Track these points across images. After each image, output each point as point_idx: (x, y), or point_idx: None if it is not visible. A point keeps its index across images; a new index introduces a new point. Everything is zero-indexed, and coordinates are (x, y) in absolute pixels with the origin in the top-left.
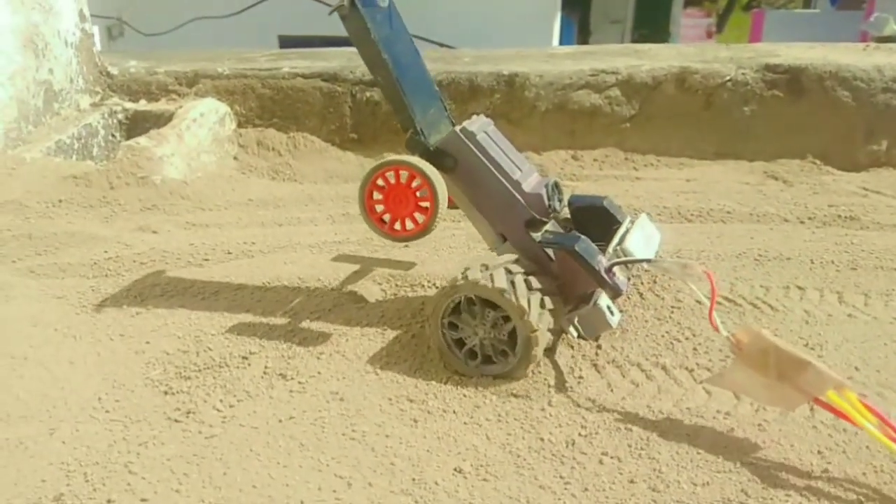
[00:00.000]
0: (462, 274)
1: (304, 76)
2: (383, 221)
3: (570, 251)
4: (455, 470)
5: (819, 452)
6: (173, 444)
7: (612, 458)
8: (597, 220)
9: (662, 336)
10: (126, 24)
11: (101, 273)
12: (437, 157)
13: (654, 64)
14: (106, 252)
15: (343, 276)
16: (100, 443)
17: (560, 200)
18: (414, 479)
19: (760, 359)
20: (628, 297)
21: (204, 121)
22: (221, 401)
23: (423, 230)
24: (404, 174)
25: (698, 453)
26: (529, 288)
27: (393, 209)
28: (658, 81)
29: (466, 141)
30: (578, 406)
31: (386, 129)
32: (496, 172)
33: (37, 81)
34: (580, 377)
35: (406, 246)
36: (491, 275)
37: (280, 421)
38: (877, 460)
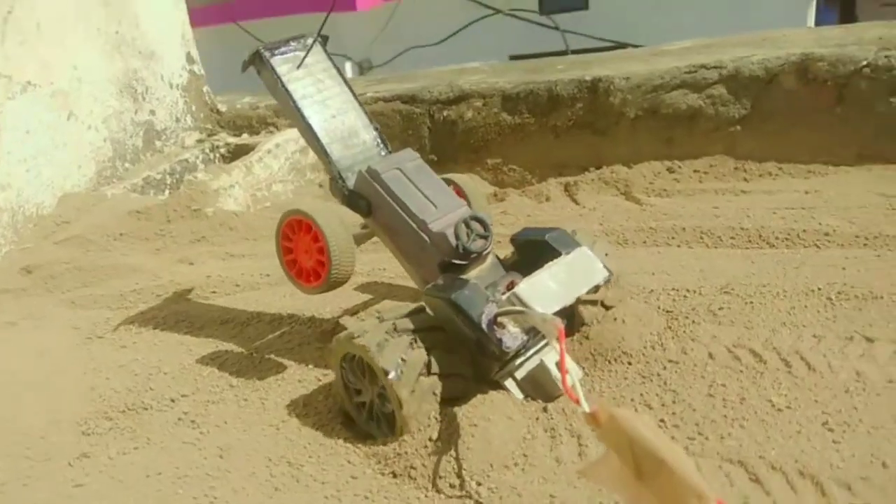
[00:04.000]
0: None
1: (384, 100)
2: (295, 269)
3: (447, 302)
4: None
5: None
6: (43, 490)
7: None
8: (542, 258)
9: (633, 399)
10: (368, 61)
11: (122, 304)
12: (352, 200)
13: (768, 53)
14: (137, 284)
15: (331, 311)
16: None
17: (483, 238)
18: None
19: (623, 448)
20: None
21: (279, 151)
22: (119, 447)
23: (324, 282)
24: (303, 224)
25: None
26: (411, 346)
27: (301, 260)
28: (772, 74)
29: (371, 181)
30: (468, 489)
31: (465, 149)
32: (402, 212)
33: (135, 122)
34: (491, 448)
35: None
36: (364, 331)
37: (147, 476)
38: None
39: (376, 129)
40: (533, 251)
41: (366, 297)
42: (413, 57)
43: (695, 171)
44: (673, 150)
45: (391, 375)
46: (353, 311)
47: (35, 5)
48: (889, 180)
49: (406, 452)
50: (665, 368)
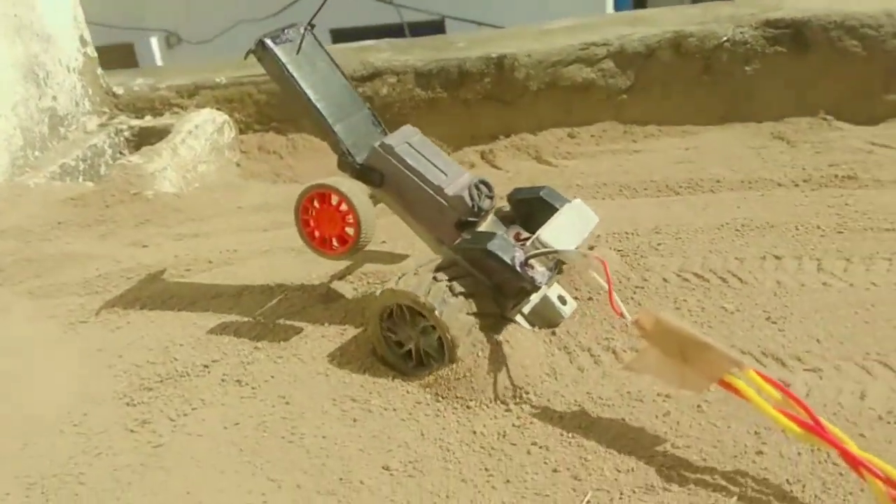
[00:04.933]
0: (395, 281)
1: None
2: (317, 239)
3: (483, 252)
4: (383, 468)
5: (756, 433)
6: (124, 454)
7: (540, 447)
8: (537, 211)
9: (619, 318)
10: (175, 35)
11: (91, 290)
12: (364, 173)
13: (647, 31)
14: (98, 269)
15: (317, 277)
16: (61, 455)
17: (490, 198)
18: (341, 479)
19: (667, 342)
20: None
21: (199, 132)
22: (176, 410)
23: (352, 246)
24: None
25: (631, 439)
26: (452, 293)
27: (323, 229)
28: (651, 49)
29: (386, 155)
30: (518, 397)
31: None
32: (418, 181)
33: (40, 109)
34: (526, 366)
35: (383, 242)
36: (413, 283)
37: (225, 427)
38: None
39: (369, 108)
40: (527, 206)
41: (346, 262)
42: (244, 33)
43: (591, 135)
44: (571, 117)
45: (441, 315)
46: (339, 276)
47: None
48: (750, 134)
49: (461, 377)
50: (635, 293)
